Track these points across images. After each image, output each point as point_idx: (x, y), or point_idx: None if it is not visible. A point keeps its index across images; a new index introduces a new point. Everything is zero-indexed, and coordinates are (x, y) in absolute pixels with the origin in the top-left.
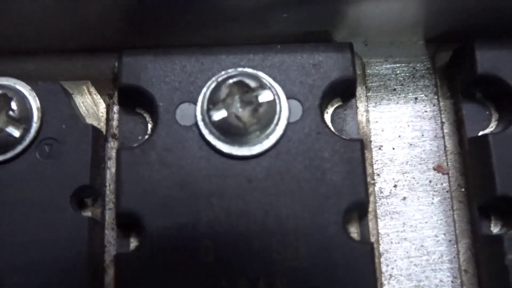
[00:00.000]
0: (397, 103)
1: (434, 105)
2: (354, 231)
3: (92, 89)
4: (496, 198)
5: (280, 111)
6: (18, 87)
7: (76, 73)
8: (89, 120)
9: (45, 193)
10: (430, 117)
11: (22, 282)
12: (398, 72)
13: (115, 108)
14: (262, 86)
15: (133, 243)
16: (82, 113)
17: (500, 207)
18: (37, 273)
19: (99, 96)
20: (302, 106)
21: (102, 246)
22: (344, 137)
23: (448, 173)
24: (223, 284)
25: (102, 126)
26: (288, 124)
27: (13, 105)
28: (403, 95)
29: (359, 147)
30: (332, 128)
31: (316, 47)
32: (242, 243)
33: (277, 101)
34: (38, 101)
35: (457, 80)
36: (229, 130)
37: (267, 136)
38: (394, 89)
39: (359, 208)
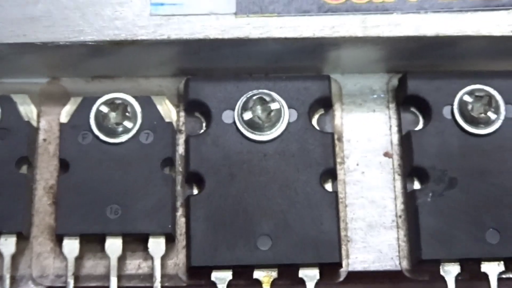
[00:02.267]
0: (362, 113)
1: (386, 114)
2: (329, 188)
3: (167, 101)
4: (414, 168)
5: (284, 115)
6: (128, 99)
7: (154, 90)
8: (167, 120)
9: (153, 161)
10: (382, 122)
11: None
12: (363, 93)
13: (181, 113)
14: (273, 100)
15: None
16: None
17: (417, 174)
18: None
19: (171, 106)
20: (297, 112)
21: (175, 196)
22: (323, 132)
23: (392, 157)
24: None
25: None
26: (289, 123)
27: (128, 109)
28: (366, 108)
29: (331, 137)
30: (317, 127)
31: (307, 77)
32: (261, 193)
33: (282, 109)
34: (140, 107)
35: (399, 98)
36: (253, 125)
37: (276, 129)
38: (360, 104)
39: (331, 173)
